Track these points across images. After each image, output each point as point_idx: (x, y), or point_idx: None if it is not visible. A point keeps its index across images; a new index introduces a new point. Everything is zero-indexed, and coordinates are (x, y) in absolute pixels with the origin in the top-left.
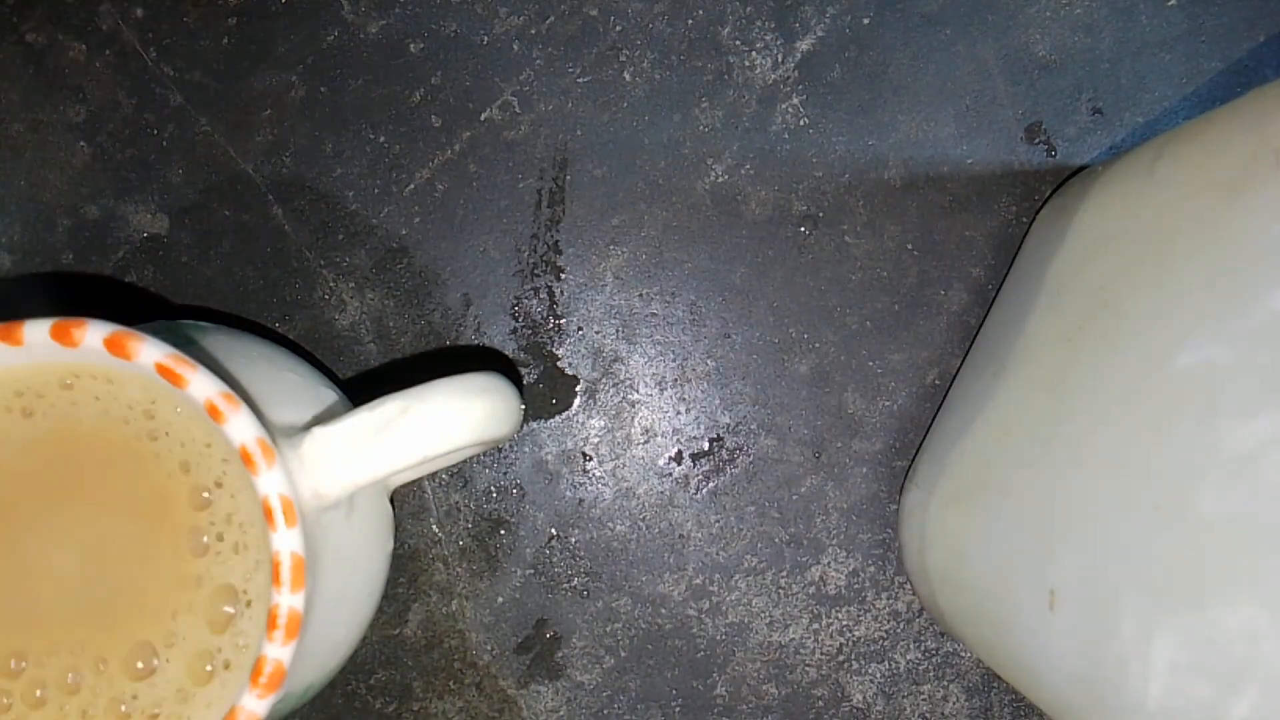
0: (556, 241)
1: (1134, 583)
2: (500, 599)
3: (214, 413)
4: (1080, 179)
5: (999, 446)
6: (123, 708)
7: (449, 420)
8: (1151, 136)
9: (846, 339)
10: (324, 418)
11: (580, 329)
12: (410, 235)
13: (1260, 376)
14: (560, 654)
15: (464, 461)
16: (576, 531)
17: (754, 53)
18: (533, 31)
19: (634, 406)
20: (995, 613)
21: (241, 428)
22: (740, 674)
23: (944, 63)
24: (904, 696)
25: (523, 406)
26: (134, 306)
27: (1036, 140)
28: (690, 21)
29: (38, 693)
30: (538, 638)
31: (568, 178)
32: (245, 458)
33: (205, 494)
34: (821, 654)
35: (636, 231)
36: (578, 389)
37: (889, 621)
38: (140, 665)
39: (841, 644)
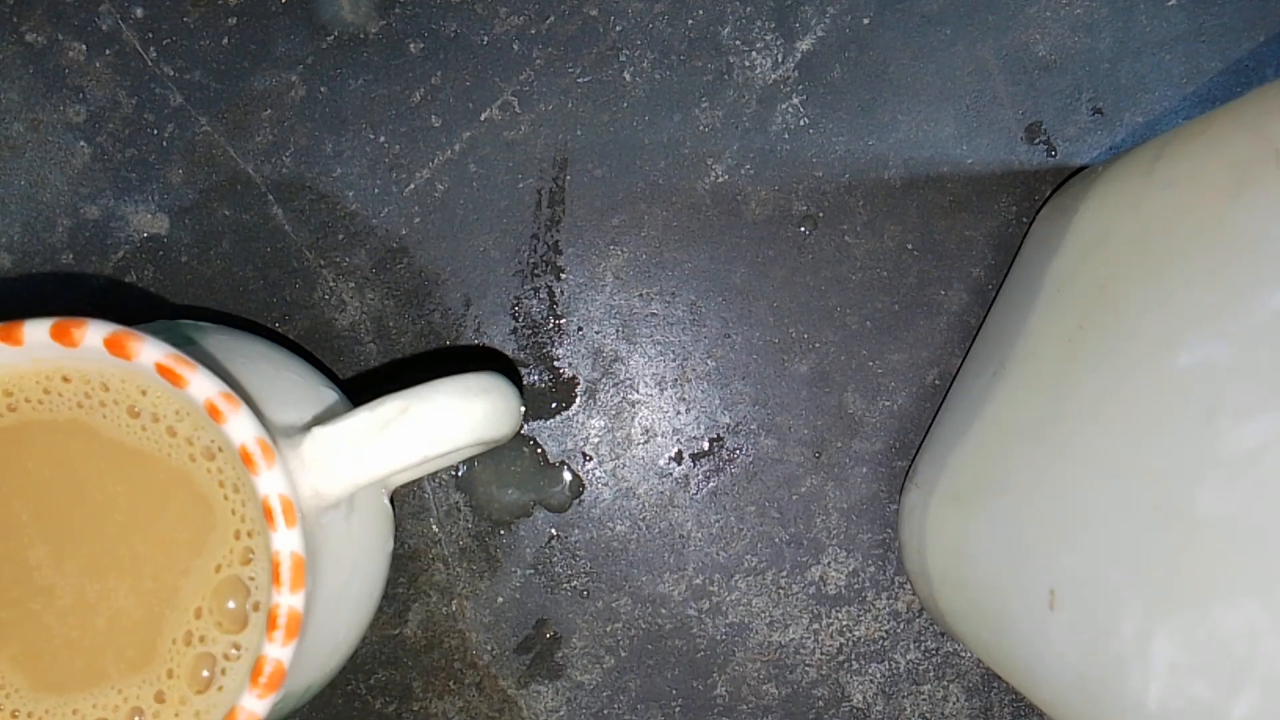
0: (556, 241)
1: (1134, 583)
2: (500, 599)
3: (214, 413)
4: (1080, 179)
5: (999, 446)
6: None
7: (449, 420)
8: (1151, 136)
9: (846, 339)
10: (324, 418)
11: (580, 329)
12: (410, 235)
13: (1260, 376)
14: (560, 654)
15: (464, 462)
16: (576, 531)
17: (754, 53)
18: (533, 31)
19: (634, 406)
20: (995, 613)
21: (241, 428)
22: (740, 674)
23: (944, 63)
24: (904, 696)
25: (523, 407)
26: (134, 306)
27: (1036, 140)
28: (690, 21)
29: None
30: (538, 638)
31: (568, 178)
32: (245, 458)
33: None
34: (821, 654)
35: (636, 231)
36: (578, 389)
37: (889, 621)
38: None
39: (841, 644)
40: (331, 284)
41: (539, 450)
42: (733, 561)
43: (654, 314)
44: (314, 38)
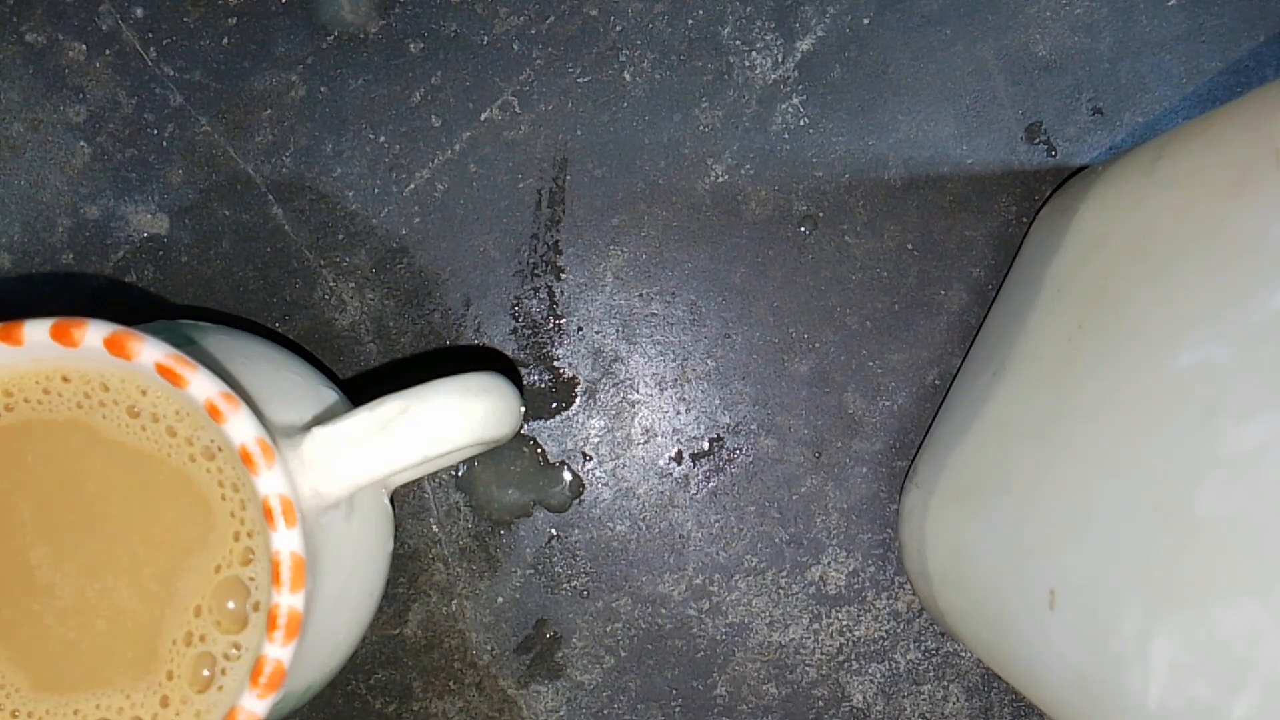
0: (556, 241)
1: (1134, 583)
2: (500, 599)
3: (214, 413)
4: (1080, 179)
5: (999, 446)
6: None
7: (449, 420)
8: (1151, 136)
9: (846, 339)
10: (324, 418)
11: (580, 329)
12: (410, 235)
13: (1260, 376)
14: (560, 654)
15: (464, 462)
16: (576, 531)
17: (754, 53)
18: (533, 31)
19: (634, 406)
20: (995, 613)
21: (241, 428)
22: (740, 674)
23: (944, 63)
24: (904, 696)
25: (523, 407)
26: (134, 306)
27: (1036, 140)
28: (690, 21)
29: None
30: (538, 638)
31: (568, 178)
32: (245, 458)
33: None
34: (821, 654)
35: (636, 231)
36: (578, 389)
37: (889, 621)
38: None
39: (841, 644)
40: (331, 284)
41: (539, 450)
42: (733, 561)
43: (654, 314)
44: (314, 38)
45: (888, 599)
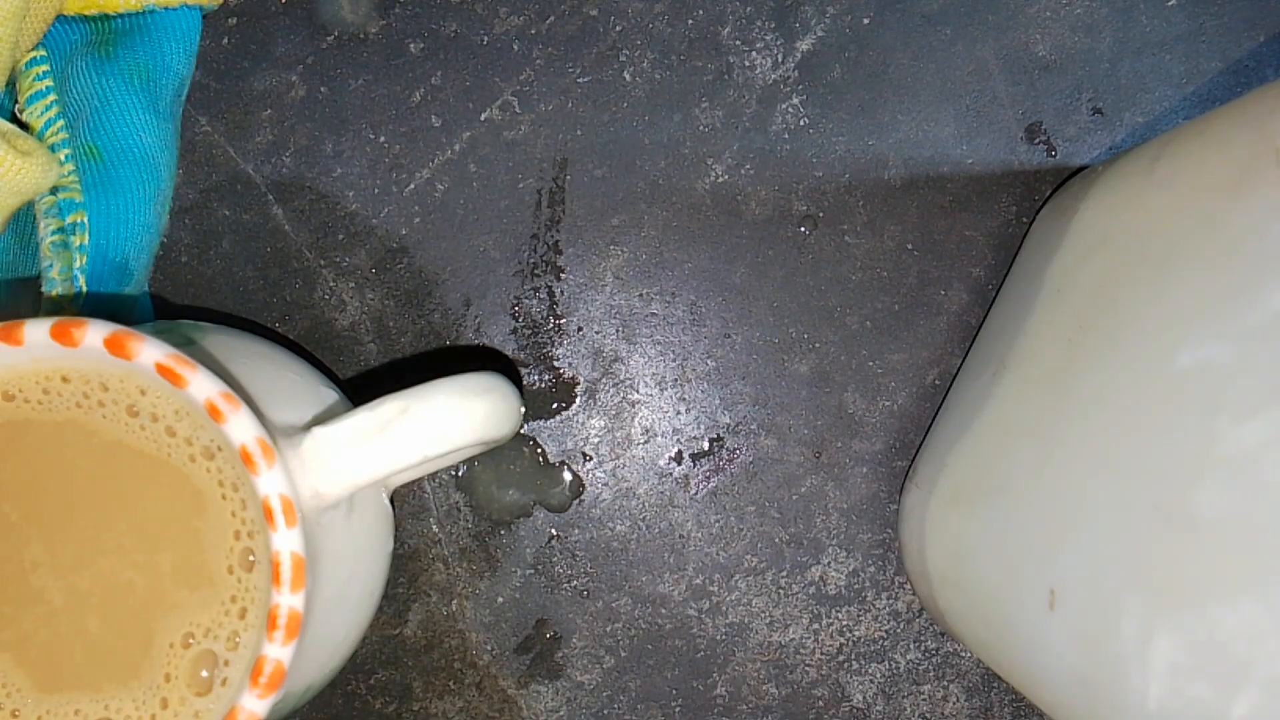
0: (556, 241)
1: (1134, 583)
2: (500, 599)
3: (214, 413)
4: (1080, 179)
5: (999, 446)
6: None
7: (449, 420)
8: (1151, 136)
9: (846, 339)
10: (324, 418)
11: (580, 329)
12: (410, 235)
13: (1260, 376)
14: (560, 654)
15: (464, 462)
16: (576, 531)
17: (754, 53)
18: (533, 31)
19: (634, 406)
20: (995, 613)
21: (241, 428)
22: (740, 674)
23: (944, 63)
24: (904, 696)
25: (523, 407)
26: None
27: (1036, 140)
28: (690, 21)
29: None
30: (538, 638)
31: (568, 178)
32: (245, 458)
33: (234, 516)
34: (821, 654)
35: (636, 231)
36: (578, 389)
37: (889, 621)
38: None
39: (841, 644)
40: (331, 284)
41: (539, 450)
42: (733, 561)
43: (654, 314)
44: (314, 38)
45: (888, 599)
